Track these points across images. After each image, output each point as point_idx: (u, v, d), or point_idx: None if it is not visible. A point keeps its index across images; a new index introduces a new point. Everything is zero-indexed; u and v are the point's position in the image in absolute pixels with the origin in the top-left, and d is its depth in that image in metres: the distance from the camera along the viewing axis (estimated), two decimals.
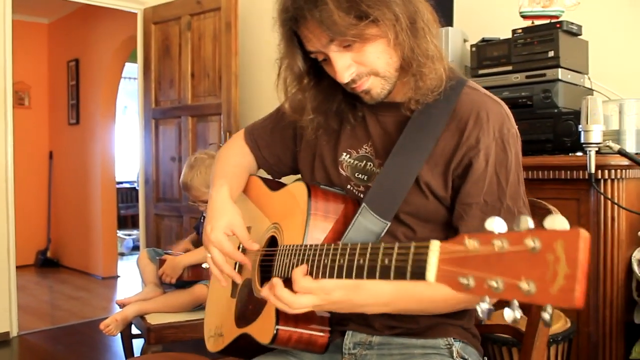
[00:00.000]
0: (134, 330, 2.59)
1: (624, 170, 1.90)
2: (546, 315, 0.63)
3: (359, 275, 0.91)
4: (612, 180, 1.90)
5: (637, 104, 2.00)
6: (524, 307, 0.65)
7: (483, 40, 2.33)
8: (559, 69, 2.09)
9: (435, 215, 1.17)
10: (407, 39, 1.09)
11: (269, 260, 1.26)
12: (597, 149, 1.79)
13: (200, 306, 2.38)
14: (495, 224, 0.68)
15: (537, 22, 2.24)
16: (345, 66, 1.11)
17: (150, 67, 4.35)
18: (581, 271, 0.59)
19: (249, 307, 1.28)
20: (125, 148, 8.30)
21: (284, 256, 1.15)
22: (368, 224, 1.14)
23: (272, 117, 1.49)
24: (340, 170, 1.27)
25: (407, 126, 1.17)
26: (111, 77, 5.90)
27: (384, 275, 0.86)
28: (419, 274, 0.78)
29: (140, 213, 4.56)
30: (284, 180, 1.49)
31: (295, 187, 1.27)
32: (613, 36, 2.43)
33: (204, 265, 2.40)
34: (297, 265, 1.06)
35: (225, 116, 3.82)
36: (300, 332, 1.13)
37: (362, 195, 1.22)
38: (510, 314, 0.65)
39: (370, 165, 1.23)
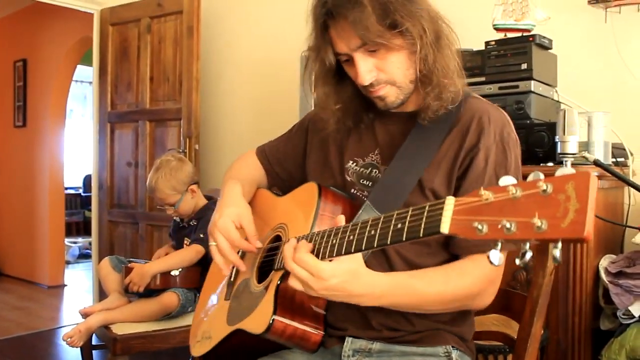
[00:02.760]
0: (95, 341, 2.49)
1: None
2: (556, 252, 0.67)
3: (369, 245, 0.94)
4: None
5: (605, 116, 2.07)
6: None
7: None
8: (532, 81, 2.14)
9: None
10: (431, 52, 1.14)
11: (271, 258, 1.26)
12: (572, 159, 1.84)
13: (169, 315, 2.31)
14: (508, 179, 0.74)
15: (510, 34, 2.29)
16: (367, 70, 1.16)
17: (106, 70, 4.22)
18: (591, 206, 0.64)
19: (243, 304, 1.28)
20: (71, 153, 8.05)
21: None
22: None
23: (284, 137, 1.53)
24: (346, 176, 1.29)
25: (412, 132, 1.21)
26: (62, 79, 5.71)
27: (396, 238, 0.89)
28: (432, 227, 0.82)
29: (92, 219, 4.42)
30: None
31: (306, 186, 1.30)
32: (579, 51, 2.51)
33: (173, 273, 2.34)
34: None
35: (185, 121, 3.75)
36: (296, 325, 1.14)
37: (365, 198, 1.24)
38: (523, 255, 0.71)
39: (375, 172, 1.26)
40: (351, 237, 0.98)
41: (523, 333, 1.29)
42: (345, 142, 1.33)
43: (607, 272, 2.03)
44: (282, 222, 1.32)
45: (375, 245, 0.93)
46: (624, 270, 1.98)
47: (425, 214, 0.84)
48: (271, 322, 1.11)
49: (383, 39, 1.11)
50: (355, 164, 1.29)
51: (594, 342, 2.07)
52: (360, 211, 1.18)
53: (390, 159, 1.22)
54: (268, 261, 1.29)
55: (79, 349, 2.46)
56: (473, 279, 1.14)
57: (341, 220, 1.05)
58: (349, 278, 1.02)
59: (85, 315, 2.35)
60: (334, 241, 1.01)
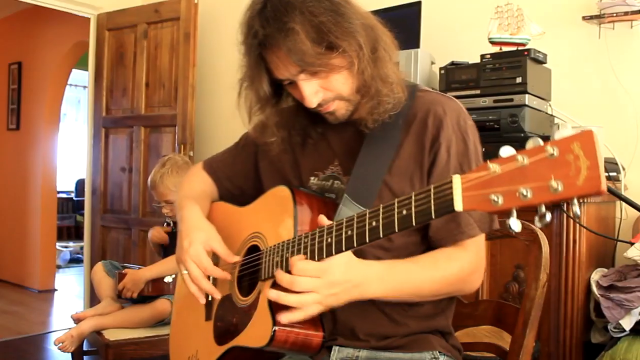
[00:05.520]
0: (86, 346, 2.49)
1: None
2: (576, 208, 0.72)
3: (374, 236, 0.94)
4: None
5: (598, 131, 2.09)
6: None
7: (452, 63, 2.39)
8: (526, 95, 2.16)
9: None
10: (368, 66, 1.14)
11: (251, 269, 1.24)
12: None
13: (162, 322, 2.31)
14: (507, 149, 0.76)
15: (505, 48, 2.31)
16: (313, 92, 1.16)
17: (102, 75, 4.22)
18: (601, 161, 0.68)
19: (232, 321, 1.25)
20: (63, 157, 8.02)
21: (273, 255, 1.14)
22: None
23: (231, 150, 1.52)
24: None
25: (366, 138, 1.21)
26: (57, 83, 5.70)
27: (405, 224, 0.90)
28: (445, 207, 0.83)
29: (85, 224, 4.39)
30: None
31: (275, 191, 1.26)
32: (573, 66, 2.54)
33: (166, 279, 2.34)
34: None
35: (180, 128, 3.75)
36: (297, 331, 1.11)
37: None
38: (543, 216, 0.74)
39: (337, 183, 1.26)
40: (349, 232, 0.98)
41: (515, 345, 1.30)
42: (299, 158, 1.32)
43: (598, 285, 2.04)
44: (256, 232, 1.28)
45: (381, 235, 0.93)
46: (615, 284, 1.99)
47: (432, 195, 0.85)
48: (272, 333, 1.09)
49: (321, 64, 1.10)
50: (316, 178, 1.28)
51: (585, 355, 2.08)
52: (341, 205, 1.16)
53: (351, 168, 1.22)
54: (247, 274, 1.26)
55: (69, 354, 2.45)
56: (461, 263, 1.16)
57: (323, 219, 1.05)
58: (347, 268, 1.04)
59: (77, 320, 2.35)
60: (329, 240, 1.01)
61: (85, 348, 2.52)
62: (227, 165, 1.49)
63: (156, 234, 2.52)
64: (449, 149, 1.17)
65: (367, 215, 0.96)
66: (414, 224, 0.89)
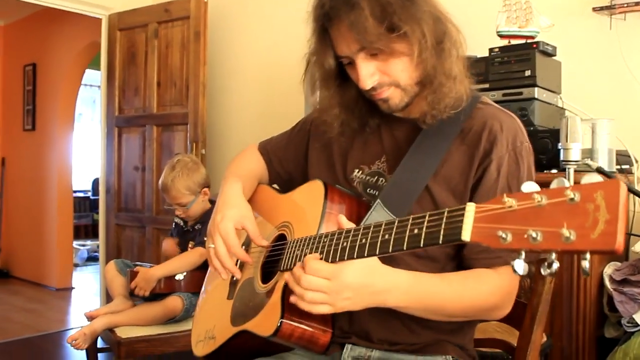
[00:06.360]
0: (100, 344, 2.51)
1: None
2: (586, 264, 0.65)
3: (384, 250, 0.91)
4: None
5: (609, 124, 2.07)
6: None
7: None
8: (536, 88, 2.14)
9: None
10: (430, 57, 1.10)
11: (276, 257, 1.24)
12: (575, 166, 1.84)
13: (173, 319, 2.33)
14: (531, 185, 0.71)
15: (514, 41, 2.29)
16: (369, 74, 1.13)
17: (114, 75, 4.25)
18: (622, 217, 0.61)
19: (248, 305, 1.26)
20: (80, 156, 8.10)
21: (295, 248, 1.14)
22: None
23: (286, 134, 1.50)
24: (352, 186, 1.27)
25: (419, 137, 1.19)
26: (70, 83, 5.75)
27: (413, 244, 0.86)
28: (452, 234, 0.79)
29: (100, 223, 4.44)
30: None
31: (311, 184, 1.27)
32: (584, 58, 2.51)
33: (177, 277, 2.35)
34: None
35: (192, 126, 3.77)
36: (304, 328, 1.11)
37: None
38: (550, 265, 0.69)
39: (382, 180, 1.24)
40: (363, 241, 0.95)
41: (523, 341, 1.29)
42: (349, 147, 1.30)
43: (611, 279, 2.02)
44: (286, 221, 1.30)
45: (390, 251, 0.90)
46: (628, 278, 1.97)
47: (445, 219, 0.82)
48: (279, 324, 1.09)
49: (381, 44, 1.08)
50: (360, 172, 1.27)
51: (598, 350, 2.06)
52: (371, 211, 1.15)
53: (397, 167, 1.19)
54: (272, 260, 1.27)
55: (84, 351, 2.47)
56: (492, 288, 1.12)
57: (343, 220, 1.03)
58: (368, 272, 1.00)
59: (90, 318, 2.37)
60: (344, 244, 0.99)
61: (99, 345, 2.55)
62: (280, 148, 1.48)
63: (168, 248, 2.55)
64: (500, 168, 1.13)
65: (383, 226, 0.93)
66: (421, 245, 0.85)
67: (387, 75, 1.14)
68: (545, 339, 1.86)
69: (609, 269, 2.08)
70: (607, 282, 2.03)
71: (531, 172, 1.17)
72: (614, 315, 2.05)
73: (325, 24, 1.15)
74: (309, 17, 1.18)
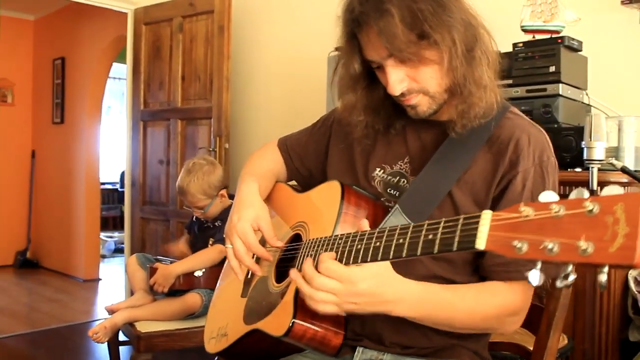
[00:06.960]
0: (122, 337, 2.54)
1: (623, 188, 1.90)
2: (603, 277, 0.63)
3: (398, 254, 0.90)
4: None
5: (637, 121, 2.01)
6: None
7: None
8: (560, 84, 2.10)
9: None
10: (460, 65, 1.08)
11: (290, 257, 1.24)
12: (599, 165, 1.79)
13: (192, 315, 2.34)
14: (549, 195, 0.70)
15: (538, 36, 2.24)
16: (398, 80, 1.11)
17: (139, 68, 4.29)
18: None
19: (261, 304, 1.26)
20: (108, 148, 8.20)
21: (309, 248, 1.13)
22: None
23: (307, 131, 1.49)
24: (372, 184, 1.26)
25: (445, 143, 1.17)
26: (98, 77, 5.82)
27: (427, 249, 0.85)
28: (467, 242, 0.78)
29: (125, 216, 4.50)
30: None
31: (329, 184, 1.26)
32: (611, 53, 2.44)
33: (196, 274, 2.36)
34: None
35: (215, 120, 3.78)
36: (316, 329, 1.10)
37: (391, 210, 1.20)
38: (567, 277, 0.66)
39: (403, 182, 1.22)
40: (377, 244, 0.94)
41: (539, 346, 1.26)
42: (372, 147, 1.28)
43: (636, 281, 1.97)
44: (302, 221, 1.29)
45: (403, 255, 0.89)
46: None
47: (460, 226, 0.81)
48: (291, 325, 1.08)
49: (410, 52, 1.06)
50: (382, 171, 1.25)
51: (621, 353, 2.02)
52: (389, 215, 1.14)
53: (420, 170, 1.18)
54: (286, 260, 1.27)
55: (106, 344, 2.50)
56: (504, 302, 1.10)
57: (365, 224, 1.02)
58: (380, 281, 0.99)
59: (111, 311, 2.40)
60: (359, 246, 0.98)
61: (121, 339, 2.58)
62: (300, 145, 1.47)
63: (175, 250, 2.56)
64: (525, 182, 1.11)
65: (398, 231, 0.92)
66: (435, 251, 0.84)
67: (415, 82, 1.12)
68: (566, 341, 1.83)
69: (634, 271, 2.02)
70: (631, 284, 1.98)
71: (555, 189, 1.14)
72: (638, 318, 2.00)
73: (354, 29, 1.13)
74: (337, 20, 1.17)
